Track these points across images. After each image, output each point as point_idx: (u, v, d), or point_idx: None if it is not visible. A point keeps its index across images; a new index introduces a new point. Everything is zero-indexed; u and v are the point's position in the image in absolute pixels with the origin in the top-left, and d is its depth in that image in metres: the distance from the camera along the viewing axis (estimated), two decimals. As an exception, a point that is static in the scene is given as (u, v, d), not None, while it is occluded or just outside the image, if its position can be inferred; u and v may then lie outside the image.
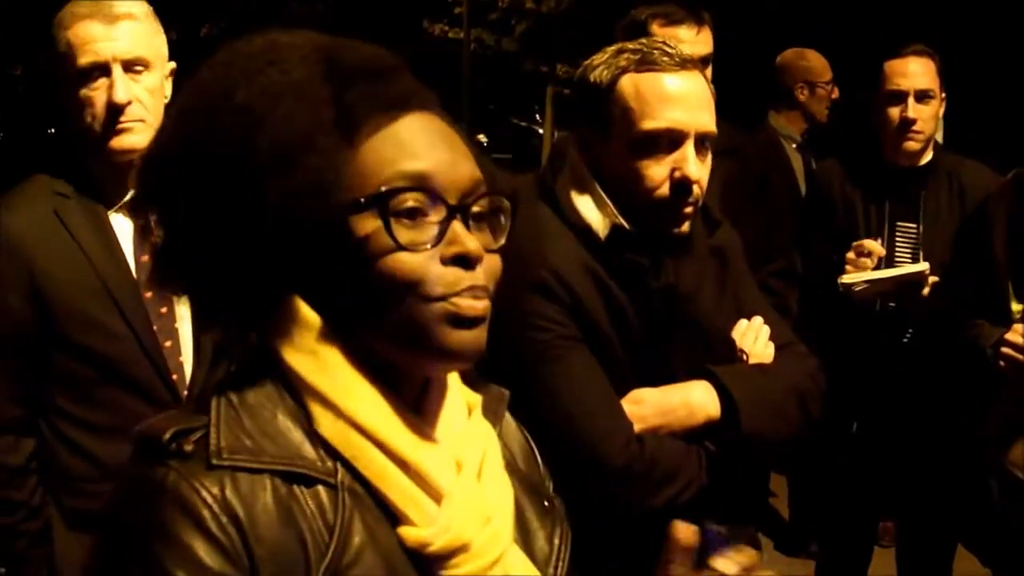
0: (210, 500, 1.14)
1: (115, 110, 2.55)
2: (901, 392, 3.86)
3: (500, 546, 1.26)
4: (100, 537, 1.21)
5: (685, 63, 2.21)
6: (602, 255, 2.21)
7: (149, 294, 2.63)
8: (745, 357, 2.34)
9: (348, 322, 1.23)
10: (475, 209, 1.26)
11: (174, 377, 2.65)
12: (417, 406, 1.28)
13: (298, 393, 1.23)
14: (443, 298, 1.21)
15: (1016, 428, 3.12)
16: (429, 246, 1.21)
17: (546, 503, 1.45)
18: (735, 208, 3.49)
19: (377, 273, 1.20)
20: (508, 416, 1.49)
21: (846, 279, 3.61)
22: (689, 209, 2.21)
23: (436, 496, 1.23)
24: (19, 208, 2.59)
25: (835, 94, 5.40)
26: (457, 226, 1.23)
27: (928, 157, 3.90)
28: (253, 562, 1.13)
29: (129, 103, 2.55)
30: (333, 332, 1.23)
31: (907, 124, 3.78)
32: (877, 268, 3.70)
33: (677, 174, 2.16)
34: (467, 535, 1.22)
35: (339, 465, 1.20)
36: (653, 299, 2.24)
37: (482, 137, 29.55)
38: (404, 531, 1.21)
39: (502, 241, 1.29)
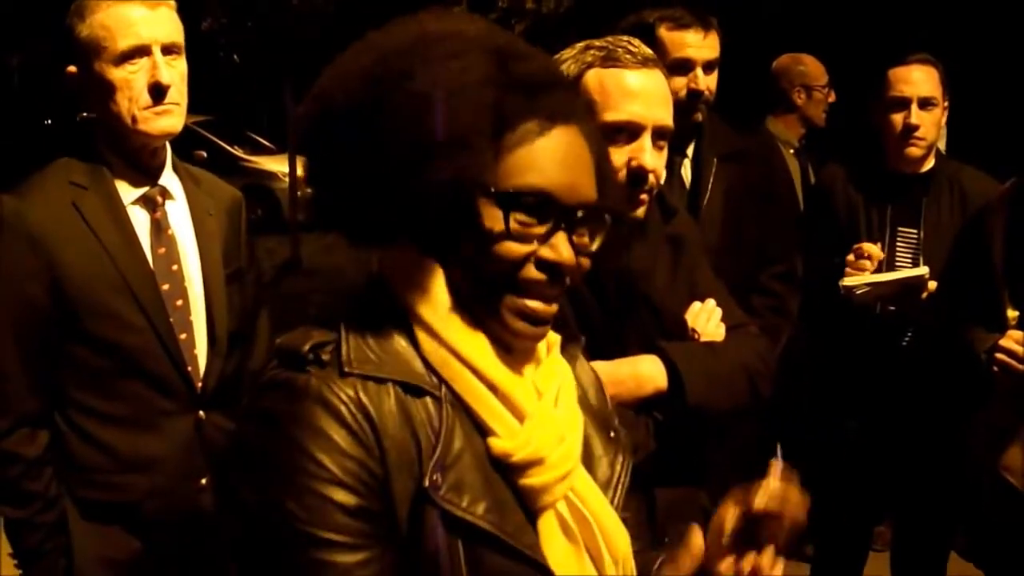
0: (346, 399, 1.34)
1: (158, 91, 2.58)
2: (899, 395, 3.88)
3: (570, 463, 1.47)
4: (243, 436, 1.39)
5: (647, 61, 2.32)
6: None
7: (166, 286, 2.66)
8: (697, 336, 2.42)
9: (454, 273, 1.44)
10: (581, 222, 1.46)
11: (189, 369, 2.69)
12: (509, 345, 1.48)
13: (408, 321, 1.44)
14: (523, 293, 1.43)
15: (1009, 433, 3.14)
16: (535, 243, 1.42)
17: (611, 434, 1.65)
18: (739, 212, 3.52)
19: (486, 250, 1.40)
20: (582, 357, 1.71)
21: (847, 282, 3.63)
22: (644, 196, 2.31)
23: (520, 416, 1.44)
24: (37, 199, 2.59)
25: (832, 98, 5.40)
26: (560, 236, 1.43)
27: (930, 164, 3.93)
28: (383, 451, 1.34)
29: (170, 85, 2.59)
30: (442, 277, 1.44)
31: (910, 130, 3.80)
32: (877, 272, 3.73)
33: (633, 163, 2.26)
34: (543, 450, 1.43)
35: (442, 383, 1.42)
36: (605, 278, 2.30)
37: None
38: (492, 441, 1.42)
39: (595, 247, 1.50)
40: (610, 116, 2.26)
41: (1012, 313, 3.20)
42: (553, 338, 1.56)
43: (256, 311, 3.02)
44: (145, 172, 2.69)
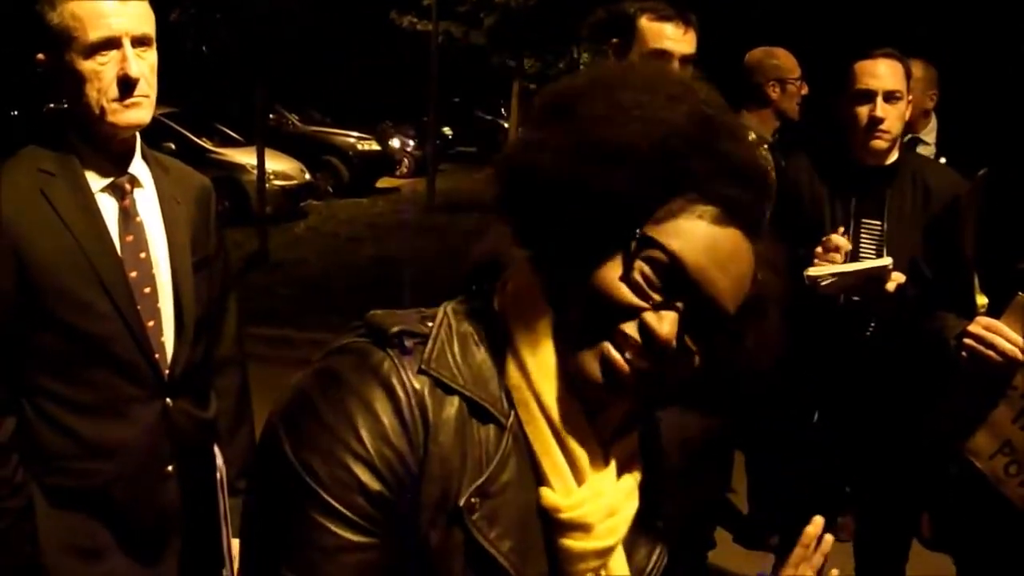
0: (411, 392, 1.33)
1: (127, 84, 2.57)
2: (863, 385, 3.92)
3: (614, 538, 1.45)
4: (301, 386, 1.36)
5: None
6: None
7: (134, 274, 2.66)
8: None
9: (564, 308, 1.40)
10: (705, 317, 1.37)
11: (156, 356, 2.69)
12: (603, 442, 1.46)
13: (503, 344, 1.42)
14: (607, 338, 1.36)
15: (975, 418, 3.17)
16: (645, 303, 1.35)
17: (659, 523, 1.61)
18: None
19: (602, 282, 1.35)
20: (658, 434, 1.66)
21: (812, 272, 3.66)
22: None
23: (580, 477, 1.41)
24: (5, 186, 2.58)
25: (804, 90, 5.43)
26: (672, 314, 1.34)
27: (894, 156, 3.96)
28: (426, 455, 1.32)
29: (139, 78, 2.59)
30: (550, 324, 1.40)
31: (875, 123, 3.83)
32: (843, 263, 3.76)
33: None
34: (592, 517, 1.41)
35: (513, 412, 1.40)
36: None
37: (447, 130, 29.51)
38: (544, 492, 1.39)
39: (698, 357, 1.40)
40: None
41: (982, 300, 3.23)
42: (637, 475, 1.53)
43: (224, 299, 3.02)
44: (114, 161, 2.69)
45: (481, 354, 1.41)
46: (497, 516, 1.35)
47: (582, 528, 1.40)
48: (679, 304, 1.35)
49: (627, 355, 1.35)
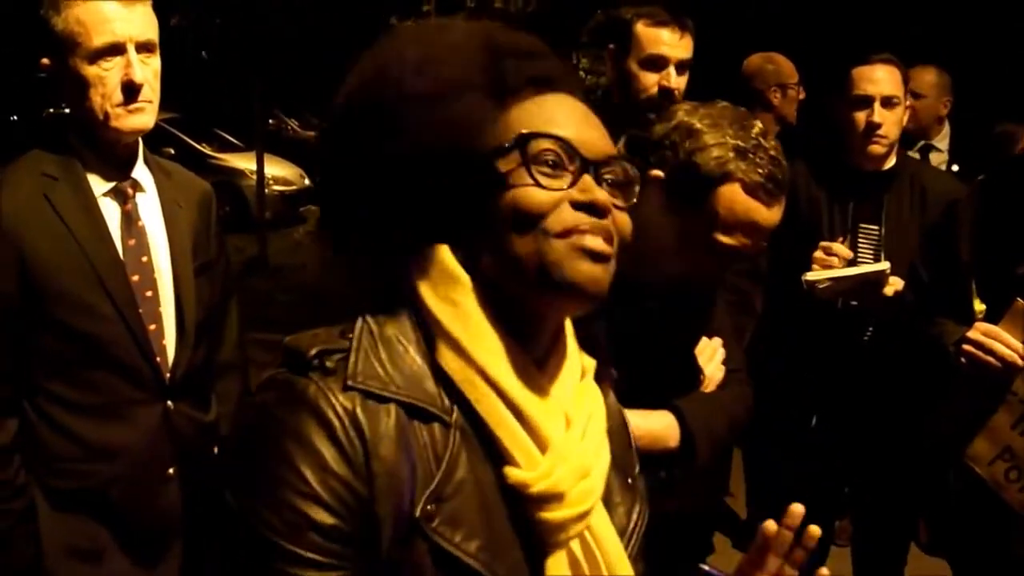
0: (342, 413, 1.27)
1: (131, 90, 2.60)
2: (861, 390, 3.92)
3: (591, 500, 1.39)
4: (237, 428, 1.35)
5: (779, 192, 2.32)
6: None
7: (136, 277, 2.68)
8: (702, 378, 2.41)
9: (486, 267, 1.36)
10: (607, 176, 1.39)
11: (157, 359, 2.71)
12: (540, 362, 1.40)
13: (431, 334, 1.36)
14: (568, 233, 1.33)
15: (975, 424, 3.18)
16: (564, 187, 1.34)
17: (629, 480, 1.58)
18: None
19: (512, 205, 1.33)
20: (611, 394, 1.63)
21: (810, 276, 3.65)
22: None
23: (542, 445, 1.35)
24: (8, 189, 2.60)
25: (801, 94, 5.46)
26: (589, 179, 1.35)
27: (892, 161, 3.97)
28: (370, 474, 1.27)
29: (143, 84, 2.61)
30: (473, 284, 1.36)
31: (873, 128, 3.84)
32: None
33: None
34: (564, 485, 1.35)
35: (455, 406, 1.34)
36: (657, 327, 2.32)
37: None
38: (509, 470, 1.34)
39: (632, 201, 1.42)
40: (727, 239, 2.27)
41: (979, 307, 3.24)
42: (588, 363, 1.50)
43: (225, 304, 3.04)
44: (117, 165, 2.71)
45: (410, 354, 1.35)
46: (458, 517, 1.30)
47: (555, 498, 1.34)
48: (579, 170, 1.36)
49: (589, 232, 1.34)
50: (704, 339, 2.46)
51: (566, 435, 1.38)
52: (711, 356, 2.45)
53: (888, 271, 3.66)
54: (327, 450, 1.26)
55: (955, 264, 3.32)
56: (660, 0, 3.60)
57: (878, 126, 3.84)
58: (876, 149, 3.88)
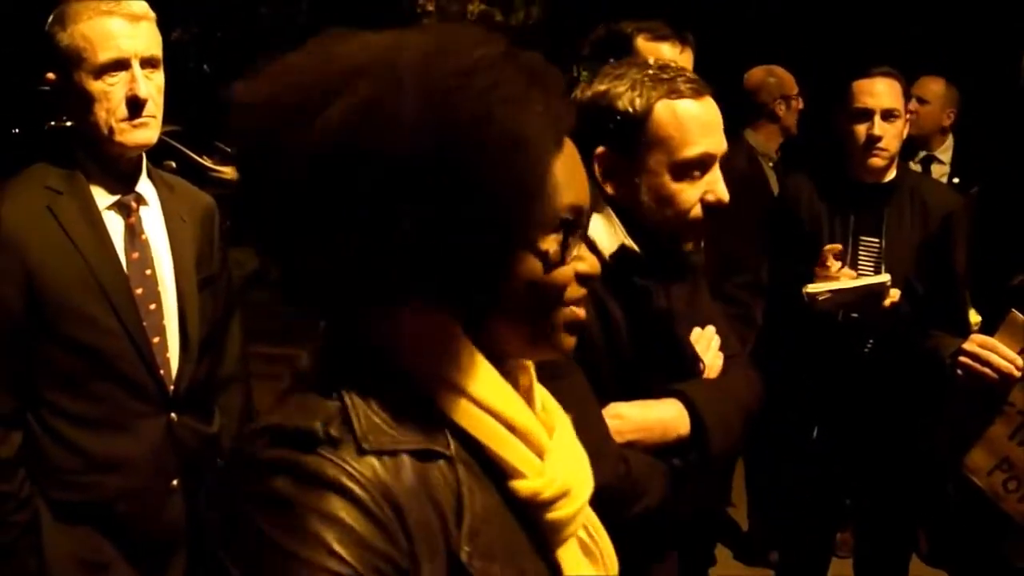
0: (367, 484, 1.18)
1: (135, 105, 2.62)
2: (861, 402, 3.93)
3: (588, 488, 1.43)
4: (248, 522, 1.18)
5: (703, 88, 2.28)
6: (604, 275, 2.28)
7: (139, 290, 2.69)
8: (701, 366, 2.40)
9: (483, 319, 1.31)
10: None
11: (161, 372, 2.72)
12: (508, 375, 1.38)
13: (411, 372, 1.28)
14: (572, 305, 1.35)
15: (972, 435, 3.18)
16: (569, 266, 1.33)
17: None
18: (718, 224, 3.56)
19: (541, 284, 1.30)
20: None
21: (810, 288, 3.67)
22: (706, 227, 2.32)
23: (540, 452, 1.35)
24: (13, 202, 2.61)
25: (801, 105, 5.48)
26: (583, 246, 1.36)
27: (892, 174, 3.98)
28: (409, 540, 1.19)
29: (147, 99, 2.63)
30: (459, 328, 1.30)
31: (873, 141, 3.85)
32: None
33: (710, 196, 2.26)
34: (568, 482, 1.37)
35: (449, 437, 1.28)
36: (650, 321, 2.30)
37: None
38: (518, 484, 1.32)
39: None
40: (689, 152, 2.23)
41: (975, 318, 3.24)
42: (529, 363, 1.46)
43: (228, 317, 3.05)
44: (121, 179, 2.72)
45: (400, 399, 1.26)
46: (490, 548, 1.26)
47: (563, 496, 1.35)
48: (580, 237, 1.35)
49: (580, 304, 1.37)
50: (696, 329, 2.44)
51: (554, 439, 1.41)
52: (707, 345, 2.43)
53: (889, 283, 3.67)
54: (362, 526, 1.17)
55: (950, 275, 3.33)
56: (661, 14, 3.61)
57: (878, 139, 3.86)
58: (876, 162, 3.90)
